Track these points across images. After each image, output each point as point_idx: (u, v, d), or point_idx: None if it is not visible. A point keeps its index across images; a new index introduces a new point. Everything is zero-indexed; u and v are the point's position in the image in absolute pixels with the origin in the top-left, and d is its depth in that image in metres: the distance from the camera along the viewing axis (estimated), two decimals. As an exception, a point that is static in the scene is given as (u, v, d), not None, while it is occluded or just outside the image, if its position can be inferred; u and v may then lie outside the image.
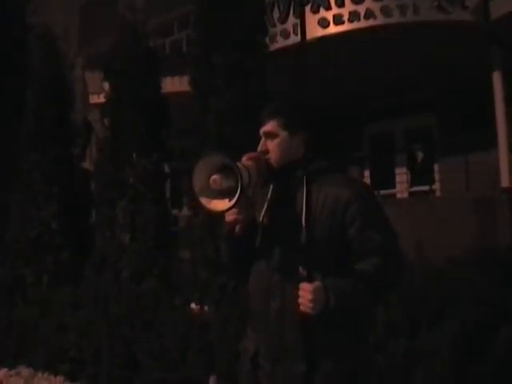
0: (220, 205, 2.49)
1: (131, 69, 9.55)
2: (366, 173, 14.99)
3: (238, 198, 2.42)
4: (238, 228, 2.71)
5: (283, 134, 2.75)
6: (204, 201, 2.52)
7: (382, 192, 13.53)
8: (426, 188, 13.76)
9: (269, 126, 2.78)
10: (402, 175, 14.39)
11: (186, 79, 8.93)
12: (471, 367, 4.78)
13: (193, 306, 7.42)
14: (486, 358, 4.79)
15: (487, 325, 5.01)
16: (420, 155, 14.83)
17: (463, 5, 11.28)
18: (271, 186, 2.81)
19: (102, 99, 12.13)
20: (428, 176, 13.96)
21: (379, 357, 4.85)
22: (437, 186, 13.79)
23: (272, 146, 2.76)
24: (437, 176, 13.85)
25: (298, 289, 2.48)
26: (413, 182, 14.32)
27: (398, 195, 14.36)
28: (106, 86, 10.96)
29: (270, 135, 2.77)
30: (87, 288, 8.48)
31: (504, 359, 4.77)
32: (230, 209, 2.50)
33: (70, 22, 18.90)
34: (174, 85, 12.79)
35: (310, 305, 2.43)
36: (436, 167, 13.99)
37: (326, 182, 2.65)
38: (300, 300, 2.46)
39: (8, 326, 8.77)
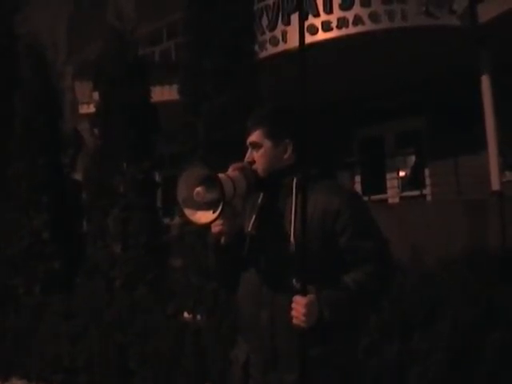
0: (204, 217, 2.48)
1: (120, 77, 9.55)
2: (357, 178, 15.00)
3: (221, 211, 2.41)
4: (223, 239, 2.68)
5: (267, 143, 2.73)
6: (188, 212, 2.50)
7: (373, 197, 13.53)
8: (416, 193, 13.79)
9: (253, 136, 2.76)
10: (392, 180, 14.41)
11: (175, 88, 8.93)
12: (465, 367, 4.79)
13: (185, 315, 7.40)
14: (479, 358, 4.80)
15: (480, 325, 5.02)
16: (411, 160, 14.90)
17: (451, 9, 11.32)
18: (261, 195, 2.79)
19: (91, 109, 12.12)
20: (419, 181, 14.00)
21: (373, 359, 4.84)
22: (427, 190, 13.82)
23: (257, 156, 2.74)
24: (427, 180, 13.87)
25: (290, 301, 2.46)
26: (404, 186, 14.37)
27: (390, 200, 14.37)
28: (96, 95, 10.96)
29: (255, 145, 2.75)
30: (79, 297, 8.46)
31: (497, 359, 4.78)
32: (213, 221, 2.49)
33: (59, 32, 18.87)
34: (163, 94, 12.78)
35: (304, 318, 2.41)
36: (426, 171, 14.02)
37: (315, 190, 2.61)
38: (293, 313, 2.44)
39: (0, 336, 8.73)
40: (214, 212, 2.44)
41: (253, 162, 2.75)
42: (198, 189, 2.45)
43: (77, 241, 10.38)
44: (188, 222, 2.55)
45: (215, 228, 2.64)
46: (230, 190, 2.48)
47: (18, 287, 9.84)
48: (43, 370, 7.79)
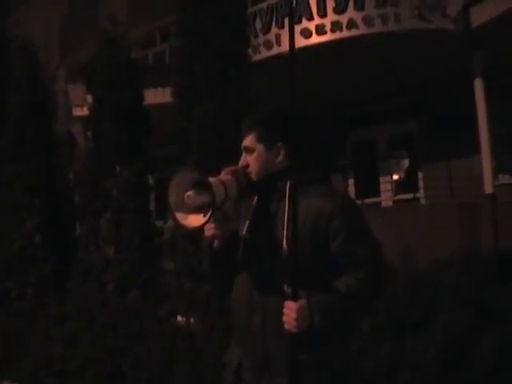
0: (195, 221, 2.49)
1: (113, 80, 9.54)
2: (350, 181, 15.02)
3: (211, 214, 2.42)
4: (216, 243, 2.69)
5: (259, 147, 2.74)
6: (179, 216, 2.51)
7: (367, 200, 13.54)
8: (410, 196, 13.81)
9: (246, 141, 2.77)
10: (386, 183, 14.43)
11: (168, 91, 8.94)
12: (457, 370, 4.79)
13: (179, 318, 7.39)
14: (471, 361, 4.81)
15: (473, 327, 5.03)
16: (405, 163, 14.93)
17: (444, 13, 11.35)
18: (255, 199, 2.80)
19: (85, 111, 12.10)
20: (412, 184, 14.02)
21: (366, 361, 4.84)
22: (421, 193, 13.84)
23: (250, 160, 2.75)
24: (421, 183, 13.90)
25: (282, 305, 2.46)
26: (397, 190, 14.39)
27: (383, 203, 14.38)
28: (89, 98, 10.95)
29: (248, 149, 2.77)
30: (72, 300, 8.43)
31: (490, 361, 4.78)
32: (203, 225, 2.50)
33: (52, 34, 18.85)
34: (156, 96, 12.77)
35: (294, 324, 2.41)
36: (420, 174, 14.05)
37: (308, 195, 2.61)
38: (284, 318, 2.44)
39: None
40: (204, 216, 2.45)
41: (247, 166, 2.75)
42: (189, 192, 2.46)
43: (69, 244, 10.35)
44: (179, 226, 2.55)
45: (208, 232, 2.65)
46: (221, 194, 2.48)
47: (10, 290, 9.80)
48: (36, 373, 7.75)
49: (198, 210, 2.47)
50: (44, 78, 11.34)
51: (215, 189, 2.43)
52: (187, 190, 2.47)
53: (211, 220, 2.48)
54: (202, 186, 2.46)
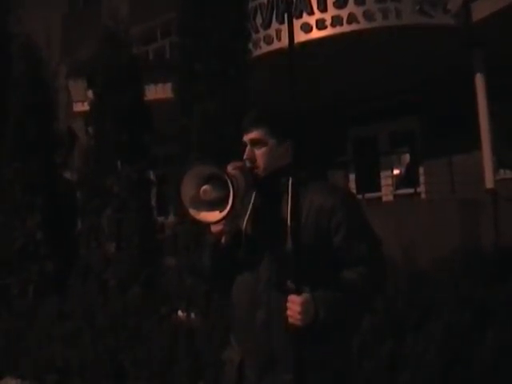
0: (210, 216, 2.45)
1: (114, 77, 9.53)
2: (351, 176, 15.02)
3: (231, 208, 2.38)
4: (223, 239, 2.66)
5: (271, 141, 2.71)
6: (193, 212, 2.47)
7: (368, 195, 13.55)
8: (411, 191, 13.81)
9: (256, 134, 2.73)
10: (387, 178, 14.43)
11: (169, 86, 8.94)
12: (457, 370, 4.79)
13: (180, 313, 7.39)
14: (471, 360, 4.80)
15: (473, 326, 5.02)
16: (406, 158, 14.94)
17: (445, 8, 11.33)
18: (253, 194, 2.79)
19: (85, 107, 12.10)
20: (413, 179, 14.03)
21: (365, 361, 4.84)
22: (422, 188, 13.84)
23: (259, 153, 2.72)
24: (421, 178, 13.91)
25: (286, 301, 2.45)
26: (398, 184, 14.40)
27: (384, 198, 14.39)
28: (90, 93, 10.94)
29: (258, 143, 2.73)
30: (73, 298, 8.43)
31: (490, 361, 4.78)
32: (221, 220, 2.45)
33: (53, 31, 18.84)
34: (157, 92, 12.77)
35: (299, 317, 2.40)
36: (421, 170, 14.05)
37: (311, 190, 2.62)
38: (289, 312, 2.43)
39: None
40: (220, 211, 2.41)
41: (254, 159, 2.73)
42: (206, 187, 2.43)
43: (71, 241, 10.34)
44: (194, 221, 2.51)
45: (217, 227, 2.61)
46: (235, 189, 2.44)
47: (12, 288, 9.81)
48: (37, 371, 7.76)
49: (213, 204, 2.44)
50: (45, 76, 11.31)
51: (233, 183, 2.40)
52: (201, 185, 2.44)
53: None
54: (215, 180, 2.42)
